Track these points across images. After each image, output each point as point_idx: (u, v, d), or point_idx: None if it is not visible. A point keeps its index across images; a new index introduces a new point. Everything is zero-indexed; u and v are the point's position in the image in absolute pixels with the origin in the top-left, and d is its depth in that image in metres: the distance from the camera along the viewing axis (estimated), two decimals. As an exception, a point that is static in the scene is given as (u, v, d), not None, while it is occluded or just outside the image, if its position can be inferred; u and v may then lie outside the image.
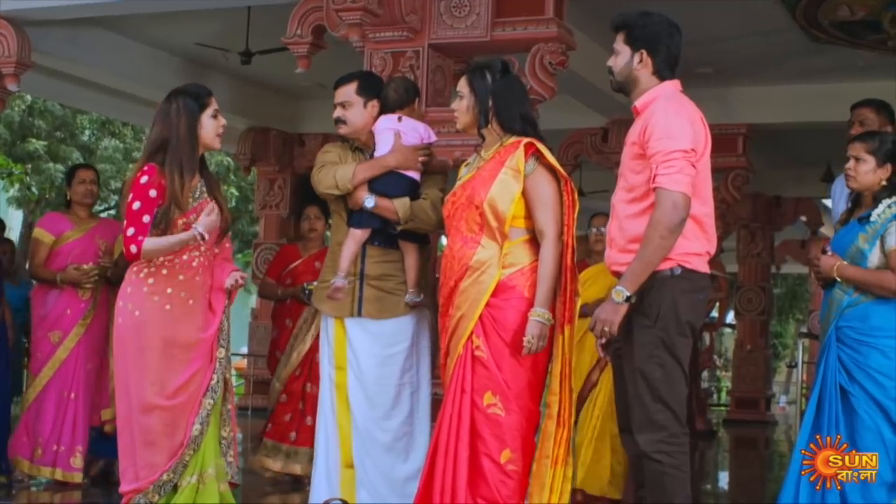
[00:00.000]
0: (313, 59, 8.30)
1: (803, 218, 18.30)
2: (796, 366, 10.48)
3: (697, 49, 10.83)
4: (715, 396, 27.64)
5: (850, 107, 6.32)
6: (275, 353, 8.12)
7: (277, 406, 7.83)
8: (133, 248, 4.98)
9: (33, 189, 21.17)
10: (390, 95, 5.70)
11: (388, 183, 5.49)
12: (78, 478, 7.37)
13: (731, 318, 19.49)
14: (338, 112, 5.67)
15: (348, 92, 5.66)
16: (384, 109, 5.68)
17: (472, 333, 4.89)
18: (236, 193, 23.76)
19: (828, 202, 19.75)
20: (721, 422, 17.75)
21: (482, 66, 5.18)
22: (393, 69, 7.94)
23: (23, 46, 9.43)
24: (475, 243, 4.95)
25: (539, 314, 4.82)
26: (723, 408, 22.39)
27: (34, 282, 7.65)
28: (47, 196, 21.01)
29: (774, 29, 10.32)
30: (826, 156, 14.40)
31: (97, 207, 21.87)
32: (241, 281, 5.22)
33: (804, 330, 13.82)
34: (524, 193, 4.91)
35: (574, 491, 6.48)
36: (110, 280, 7.44)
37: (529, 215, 4.95)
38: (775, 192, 17.61)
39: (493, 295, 4.89)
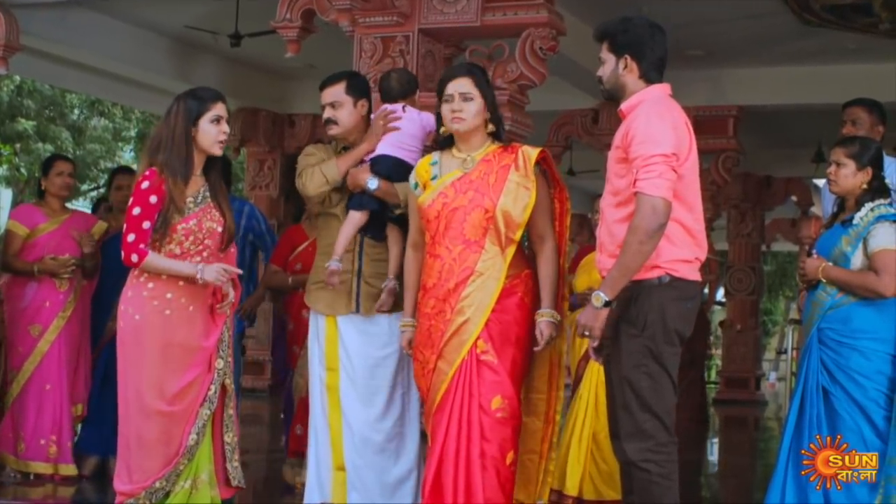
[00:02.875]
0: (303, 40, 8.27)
1: (794, 198, 18.33)
2: (786, 352, 10.52)
3: (689, 31, 10.82)
4: (705, 374, 27.69)
5: (842, 105, 6.27)
6: (293, 347, 7.57)
7: (292, 419, 7.41)
8: (134, 258, 4.91)
9: (22, 170, 21.11)
10: (393, 86, 5.62)
11: (390, 167, 5.44)
12: (72, 470, 7.34)
13: (720, 295, 19.52)
14: (328, 112, 5.59)
15: (337, 92, 5.59)
16: (385, 99, 5.61)
17: (477, 338, 4.88)
18: (226, 173, 23.68)
19: (818, 181, 19.82)
20: (711, 401, 17.78)
21: (479, 67, 5.16)
22: (383, 54, 7.91)
23: (11, 30, 9.38)
24: (479, 247, 4.92)
25: (550, 314, 4.90)
26: (712, 385, 22.44)
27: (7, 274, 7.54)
28: (37, 175, 20.95)
29: (766, 12, 10.29)
30: (817, 136, 14.41)
31: (86, 186, 21.89)
32: (225, 276, 5.06)
33: (793, 316, 13.86)
34: None
35: (565, 496, 6.52)
36: (85, 273, 7.39)
37: (527, 219, 4.96)
38: (766, 172, 17.61)
39: (497, 300, 4.90)
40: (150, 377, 4.97)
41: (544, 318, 4.87)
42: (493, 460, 4.84)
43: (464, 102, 5.02)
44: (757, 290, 17.79)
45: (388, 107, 5.55)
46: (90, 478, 7.46)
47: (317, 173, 5.44)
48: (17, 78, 19.78)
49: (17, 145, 20.70)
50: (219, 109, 5.09)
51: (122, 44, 12.10)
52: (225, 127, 5.11)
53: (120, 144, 22.74)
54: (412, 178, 5.21)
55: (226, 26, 11.09)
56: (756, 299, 17.82)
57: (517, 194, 4.89)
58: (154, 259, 4.95)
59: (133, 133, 22.66)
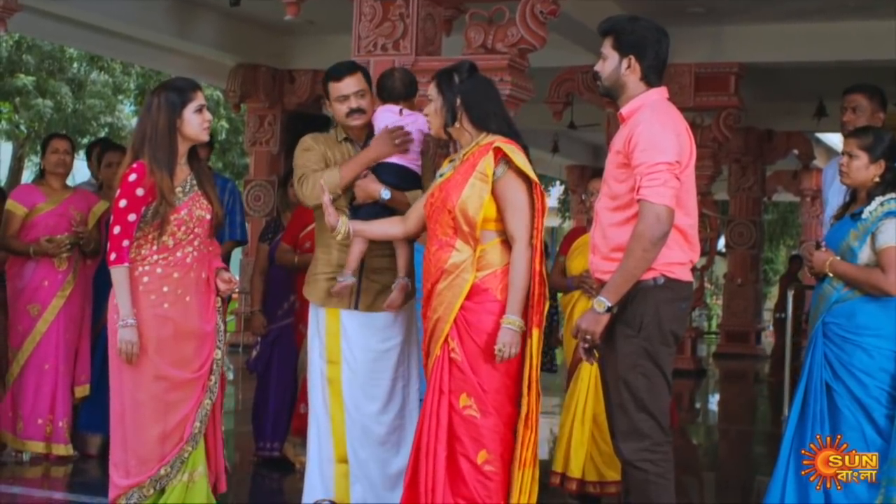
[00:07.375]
0: (303, -3, 8.28)
1: (795, 151, 18.32)
2: (785, 317, 10.51)
3: (690, -11, 10.80)
4: (706, 324, 27.77)
5: (843, 91, 6.19)
6: (299, 326, 7.44)
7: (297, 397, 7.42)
8: (112, 256, 4.95)
9: (22, 127, 21.06)
10: (396, 86, 5.47)
11: (399, 175, 5.36)
12: (66, 450, 7.38)
13: (721, 244, 19.51)
14: (355, 102, 5.42)
15: (361, 81, 5.44)
16: (385, 98, 5.50)
17: (447, 336, 4.89)
18: (226, 126, 23.65)
19: (820, 135, 19.81)
20: (711, 355, 17.82)
21: (449, 70, 5.10)
22: (383, 17, 7.90)
23: (9, -10, 9.35)
24: (450, 247, 4.92)
25: (511, 321, 4.81)
26: (713, 336, 22.50)
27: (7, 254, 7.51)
28: (37, 129, 20.90)
29: (767, -31, 10.28)
30: (818, 91, 14.39)
31: (84, 141, 21.87)
32: (233, 285, 5.24)
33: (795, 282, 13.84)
34: (495, 198, 4.87)
35: (569, 479, 6.54)
36: (85, 252, 7.40)
37: (501, 218, 4.91)
38: (767, 126, 17.59)
39: (467, 298, 4.87)
40: (149, 370, 4.99)
41: (504, 326, 4.81)
42: (463, 459, 4.84)
43: (429, 104, 5.06)
44: (758, 243, 17.82)
45: (386, 112, 5.46)
46: (96, 457, 7.45)
47: (316, 185, 5.29)
48: (17, 34, 19.72)
49: (17, 100, 20.64)
50: (200, 98, 5.11)
51: (122, 2, 12.06)
52: (207, 115, 5.14)
53: (120, 98, 22.67)
54: None
55: (225, -13, 11.06)
56: (757, 253, 17.86)
57: (475, 191, 4.86)
58: (121, 275, 4.97)
59: (133, 87, 22.60)
